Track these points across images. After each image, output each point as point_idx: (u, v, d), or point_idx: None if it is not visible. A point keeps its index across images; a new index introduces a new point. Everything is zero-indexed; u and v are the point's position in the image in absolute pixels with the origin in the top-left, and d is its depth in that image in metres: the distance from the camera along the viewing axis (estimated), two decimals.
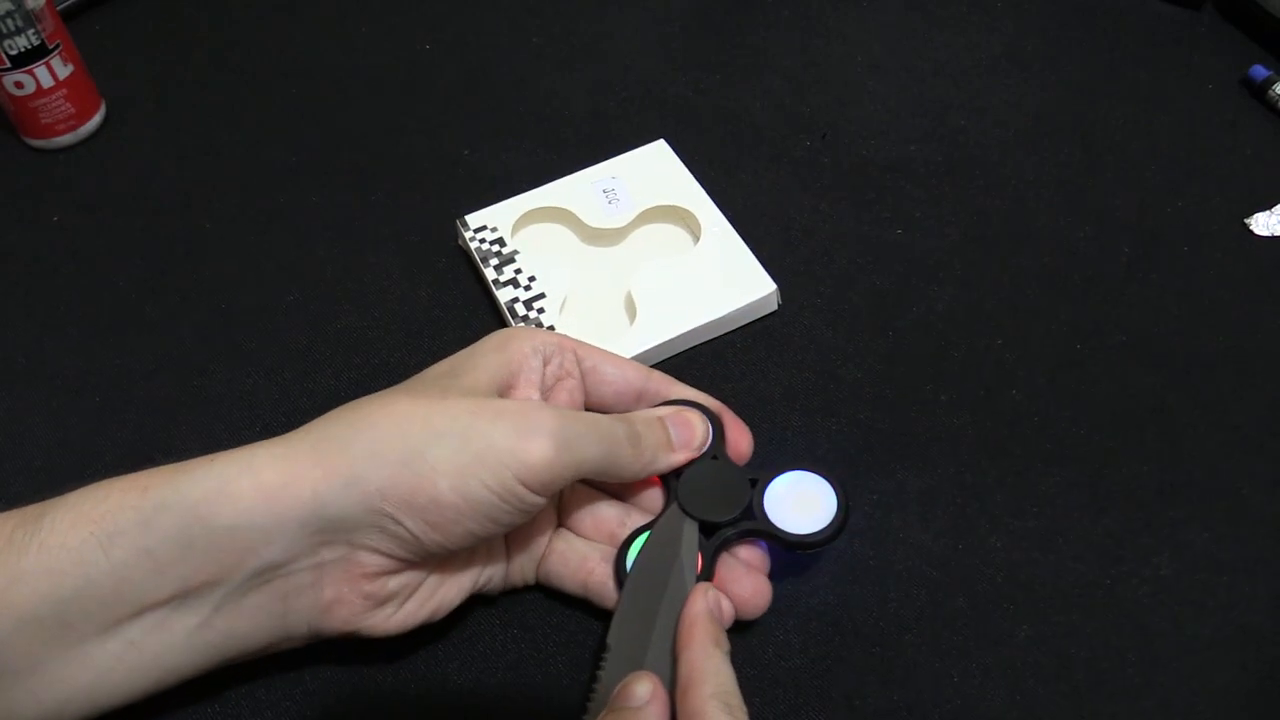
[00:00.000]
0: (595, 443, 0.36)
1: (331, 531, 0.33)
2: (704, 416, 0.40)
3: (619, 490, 0.41)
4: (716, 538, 0.38)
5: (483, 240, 0.51)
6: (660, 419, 0.39)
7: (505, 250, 0.51)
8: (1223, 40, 0.64)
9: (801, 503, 0.39)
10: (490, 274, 0.50)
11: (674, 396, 0.41)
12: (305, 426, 0.35)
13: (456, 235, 0.53)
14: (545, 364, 0.40)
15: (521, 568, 0.40)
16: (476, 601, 0.40)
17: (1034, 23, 0.65)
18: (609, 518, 0.40)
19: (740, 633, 0.40)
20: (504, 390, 0.38)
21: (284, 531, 0.32)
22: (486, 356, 0.38)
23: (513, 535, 0.39)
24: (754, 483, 0.39)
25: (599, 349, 0.42)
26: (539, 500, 0.34)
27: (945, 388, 0.47)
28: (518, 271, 0.50)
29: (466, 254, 0.53)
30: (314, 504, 0.32)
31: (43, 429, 0.47)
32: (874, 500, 0.44)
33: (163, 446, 0.46)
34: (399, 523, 0.33)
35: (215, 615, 0.33)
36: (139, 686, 0.33)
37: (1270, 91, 0.59)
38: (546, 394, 0.40)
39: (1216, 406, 0.46)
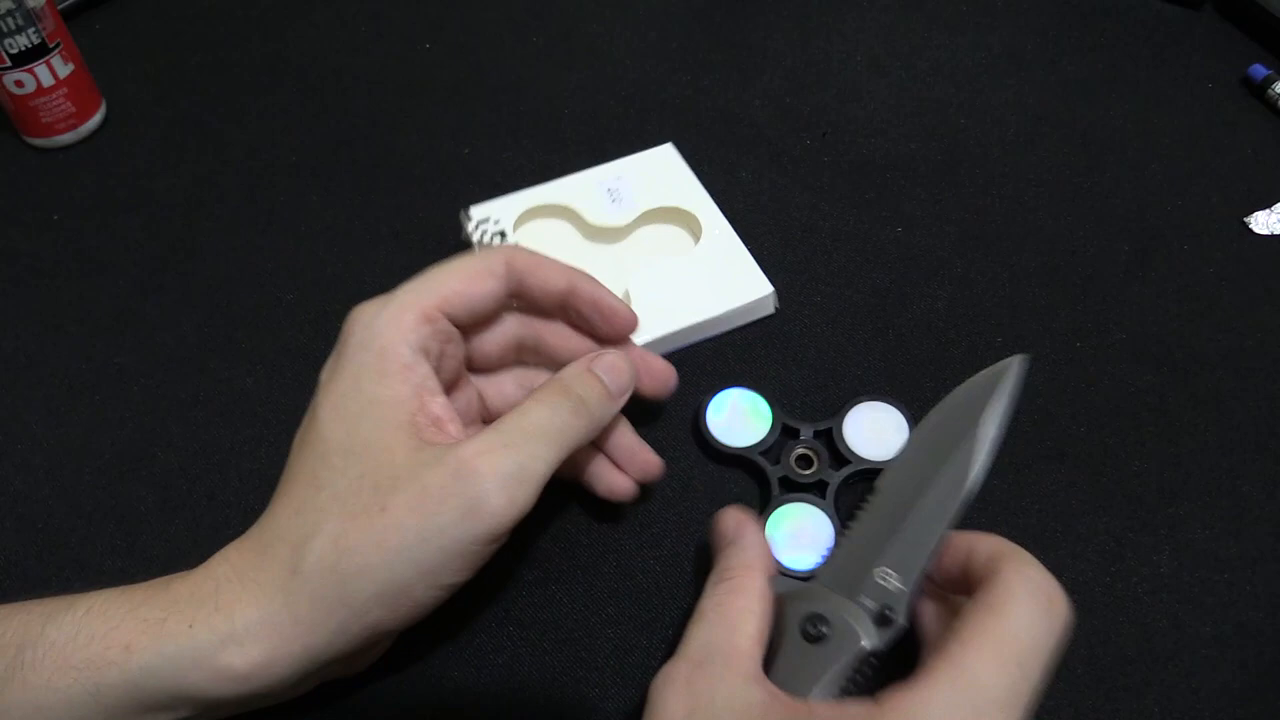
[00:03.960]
0: (546, 452, 0.34)
1: (323, 664, 0.33)
2: (621, 353, 0.40)
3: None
4: None
5: (484, 232, 0.52)
6: (591, 372, 0.38)
7: (506, 243, 0.51)
8: (1222, 40, 0.64)
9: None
10: None
11: (601, 299, 0.40)
12: (271, 551, 0.33)
13: (457, 233, 0.53)
14: (430, 355, 0.36)
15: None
16: (475, 601, 0.40)
17: (1034, 23, 0.66)
18: None
19: None
20: (415, 419, 0.34)
21: (276, 688, 0.33)
22: (363, 386, 0.35)
23: None
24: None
25: (523, 252, 0.39)
26: (500, 545, 0.34)
27: (945, 386, 0.47)
28: None
29: (469, 247, 0.53)
30: (305, 659, 0.32)
31: (43, 429, 0.47)
32: None
33: (163, 446, 0.46)
34: (384, 633, 0.34)
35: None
36: None
37: (1270, 91, 0.59)
38: (449, 380, 0.38)
39: (1216, 406, 0.46)
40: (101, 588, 0.42)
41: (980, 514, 0.43)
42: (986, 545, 0.33)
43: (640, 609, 0.41)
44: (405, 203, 0.56)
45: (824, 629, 0.33)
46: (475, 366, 0.41)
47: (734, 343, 0.49)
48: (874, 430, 0.44)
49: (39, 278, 0.53)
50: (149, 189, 0.57)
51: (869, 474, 0.43)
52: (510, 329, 0.41)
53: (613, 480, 0.41)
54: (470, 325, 0.39)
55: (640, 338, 0.47)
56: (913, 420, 0.44)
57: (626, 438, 0.41)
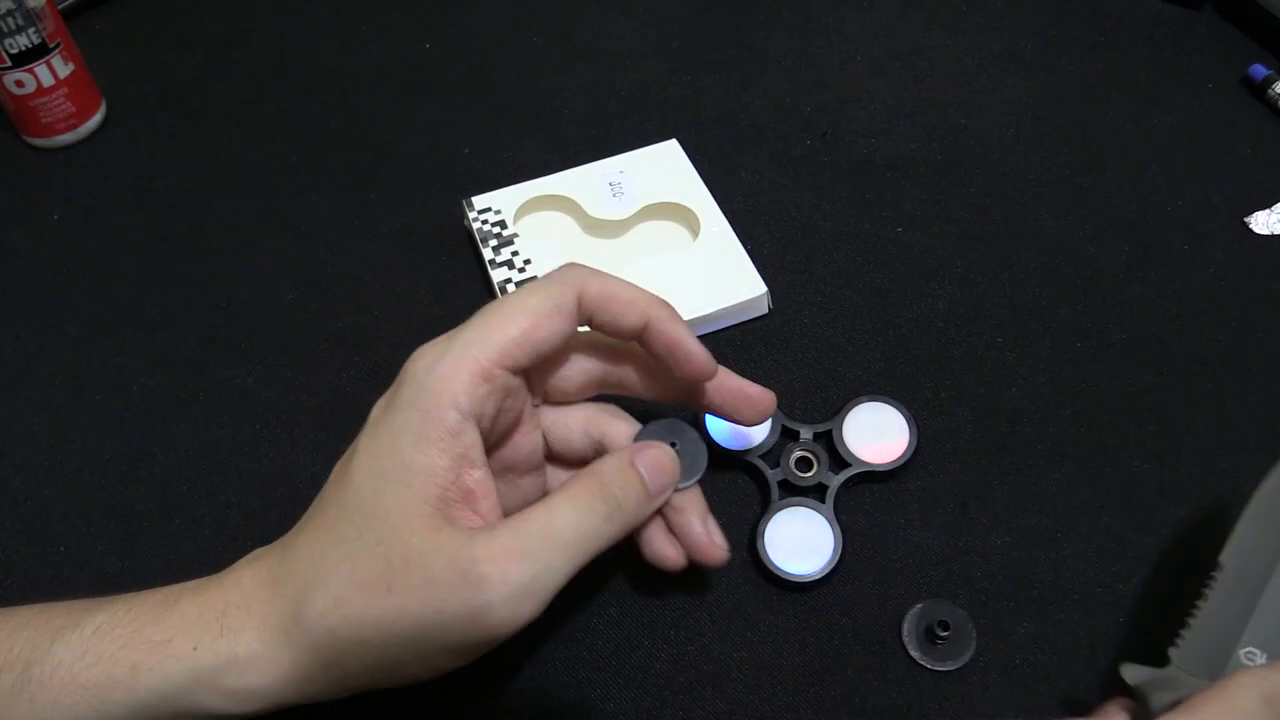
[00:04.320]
0: (565, 564, 0.32)
1: (318, 700, 0.34)
2: (667, 449, 0.37)
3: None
4: None
5: (485, 221, 0.52)
6: (634, 468, 0.35)
7: (506, 233, 0.51)
8: (1222, 40, 0.64)
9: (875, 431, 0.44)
10: (488, 254, 0.51)
11: (677, 342, 0.36)
12: (277, 592, 0.33)
13: (457, 233, 0.53)
14: (479, 419, 0.34)
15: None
16: None
17: (1034, 23, 0.65)
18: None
19: (738, 630, 0.40)
20: (445, 494, 0.33)
21: (268, 714, 0.33)
22: (400, 447, 0.33)
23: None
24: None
25: (596, 280, 0.35)
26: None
27: (945, 386, 0.47)
28: (514, 254, 0.51)
29: (468, 248, 0.53)
30: (303, 697, 0.33)
31: (43, 429, 0.47)
32: (874, 498, 0.44)
33: (163, 446, 0.46)
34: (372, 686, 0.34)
35: None
36: None
37: (1270, 91, 0.59)
38: (504, 442, 0.37)
39: (1216, 406, 0.46)
40: (102, 587, 0.42)
41: (981, 512, 0.43)
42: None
43: (641, 609, 0.41)
44: (405, 202, 0.56)
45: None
46: (547, 399, 0.39)
47: (734, 342, 0.49)
48: (874, 431, 0.44)
49: (39, 278, 0.53)
50: (149, 189, 0.57)
51: (869, 477, 0.43)
52: (583, 366, 0.38)
53: (662, 550, 0.38)
54: (537, 365, 0.36)
55: None
56: (913, 419, 0.44)
57: (694, 517, 0.38)
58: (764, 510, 0.42)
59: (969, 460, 0.45)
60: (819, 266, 0.52)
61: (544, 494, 0.39)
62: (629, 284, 0.36)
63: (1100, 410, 0.46)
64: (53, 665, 0.31)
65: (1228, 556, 0.35)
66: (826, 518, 0.42)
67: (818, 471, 0.43)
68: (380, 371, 0.49)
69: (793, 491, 0.43)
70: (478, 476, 0.33)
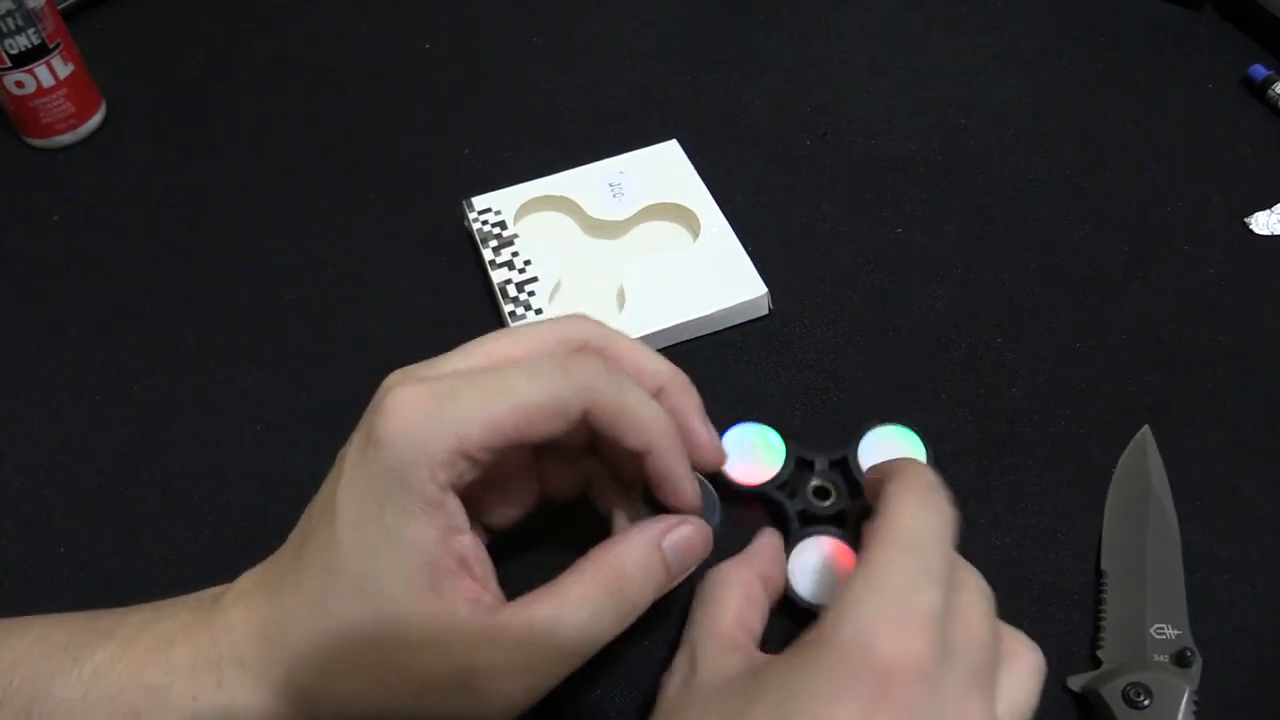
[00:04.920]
0: (567, 670, 0.32)
1: None
2: (702, 528, 0.36)
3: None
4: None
5: (485, 222, 0.52)
6: (661, 554, 0.34)
7: (506, 233, 0.51)
8: (1223, 40, 0.64)
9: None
10: (488, 254, 0.51)
11: (673, 478, 0.35)
12: (277, 650, 0.32)
13: (457, 233, 0.53)
14: (459, 484, 0.32)
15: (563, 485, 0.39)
16: None
17: (1034, 23, 0.65)
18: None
19: None
20: (438, 563, 0.31)
21: None
22: (379, 515, 0.31)
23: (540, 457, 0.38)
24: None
25: (611, 391, 0.33)
26: None
27: (945, 386, 0.47)
28: (514, 254, 0.50)
29: (468, 249, 0.53)
30: None
31: (43, 429, 0.47)
32: None
33: (163, 446, 0.46)
34: None
35: None
36: None
37: (1270, 91, 0.59)
38: (475, 493, 0.35)
39: (1216, 406, 0.46)
40: (102, 587, 0.42)
41: (981, 512, 0.43)
42: (885, 471, 0.34)
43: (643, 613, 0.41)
44: (405, 203, 0.56)
45: (1144, 698, 0.36)
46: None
47: (733, 343, 0.49)
48: (888, 456, 0.42)
49: (39, 278, 0.53)
50: (149, 189, 0.57)
51: None
52: (580, 457, 0.38)
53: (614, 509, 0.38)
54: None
55: (630, 333, 0.47)
56: (927, 441, 0.43)
57: (694, 421, 0.37)
58: (786, 541, 0.40)
59: (969, 460, 0.45)
60: (819, 266, 0.52)
61: (538, 495, 0.39)
62: (645, 400, 0.34)
63: (1100, 410, 0.46)
64: (53, 704, 0.31)
65: (1107, 562, 0.41)
66: (850, 544, 0.40)
67: (836, 499, 0.42)
68: (380, 372, 0.48)
69: (811, 520, 0.42)
70: (466, 542, 0.32)
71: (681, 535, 0.35)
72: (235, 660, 0.32)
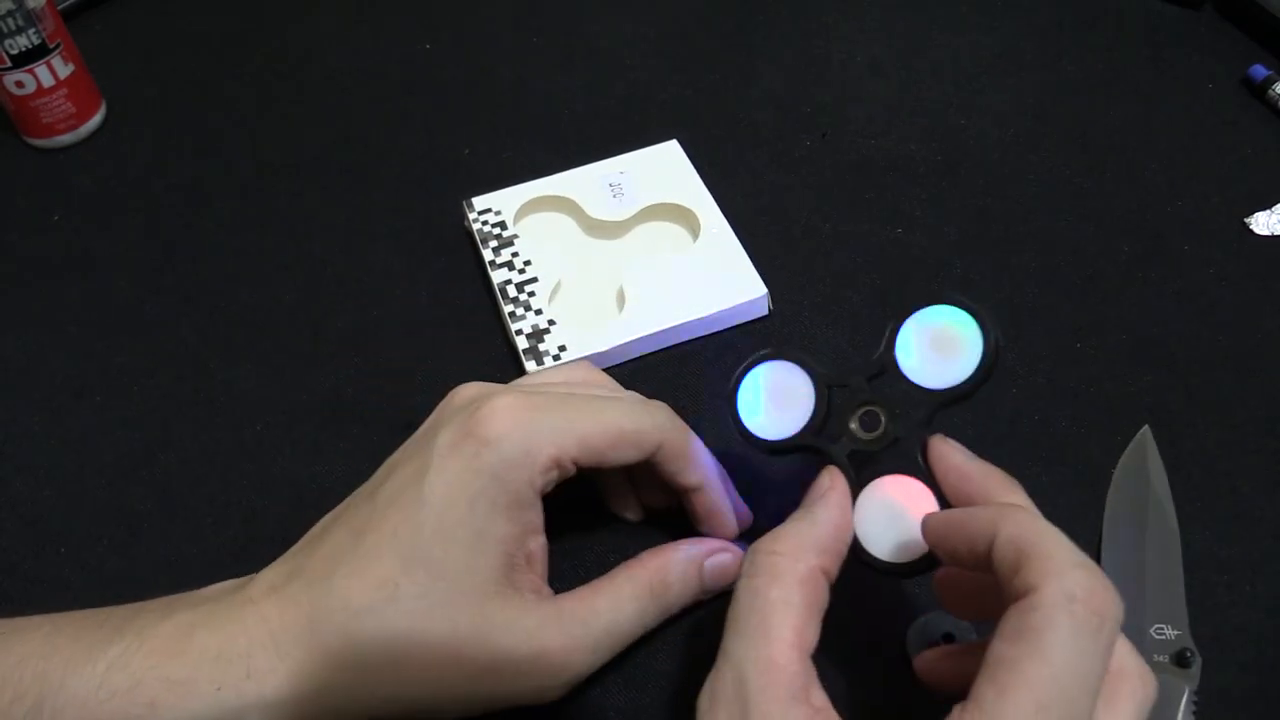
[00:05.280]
0: (610, 654, 0.35)
1: None
2: (737, 554, 0.39)
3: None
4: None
5: (485, 222, 0.52)
6: (699, 568, 0.38)
7: (506, 234, 0.51)
8: (1223, 40, 0.64)
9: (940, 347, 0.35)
10: (488, 254, 0.51)
11: (715, 515, 0.39)
12: (305, 634, 0.33)
13: (457, 233, 0.53)
14: (546, 490, 0.35)
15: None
16: None
17: (1034, 23, 0.65)
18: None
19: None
20: (513, 558, 0.34)
21: None
22: (481, 534, 0.33)
23: None
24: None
25: (679, 437, 0.38)
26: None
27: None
28: (514, 255, 0.50)
29: (468, 249, 0.53)
30: None
31: (43, 429, 0.47)
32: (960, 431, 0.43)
33: (163, 446, 0.46)
34: None
35: None
36: None
37: (1270, 91, 0.59)
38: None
39: (1216, 406, 0.46)
40: (102, 588, 0.42)
41: None
42: (1012, 533, 0.29)
43: None
44: (405, 203, 0.56)
45: None
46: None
47: (734, 343, 0.49)
48: (939, 347, 0.35)
49: (39, 278, 0.53)
50: (149, 189, 0.57)
51: (952, 401, 0.35)
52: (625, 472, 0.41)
53: (626, 510, 0.43)
54: None
55: (630, 333, 0.48)
56: (982, 320, 0.35)
57: (715, 495, 0.39)
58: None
59: None
60: (819, 267, 0.52)
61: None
62: (702, 448, 0.38)
63: (1100, 410, 0.46)
64: (66, 698, 0.31)
65: (1106, 562, 0.40)
66: (920, 477, 0.34)
67: (888, 426, 0.35)
68: (380, 373, 0.49)
69: (867, 461, 0.35)
70: (539, 542, 0.36)
71: (721, 561, 0.38)
72: (268, 648, 0.32)
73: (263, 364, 0.49)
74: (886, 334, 0.36)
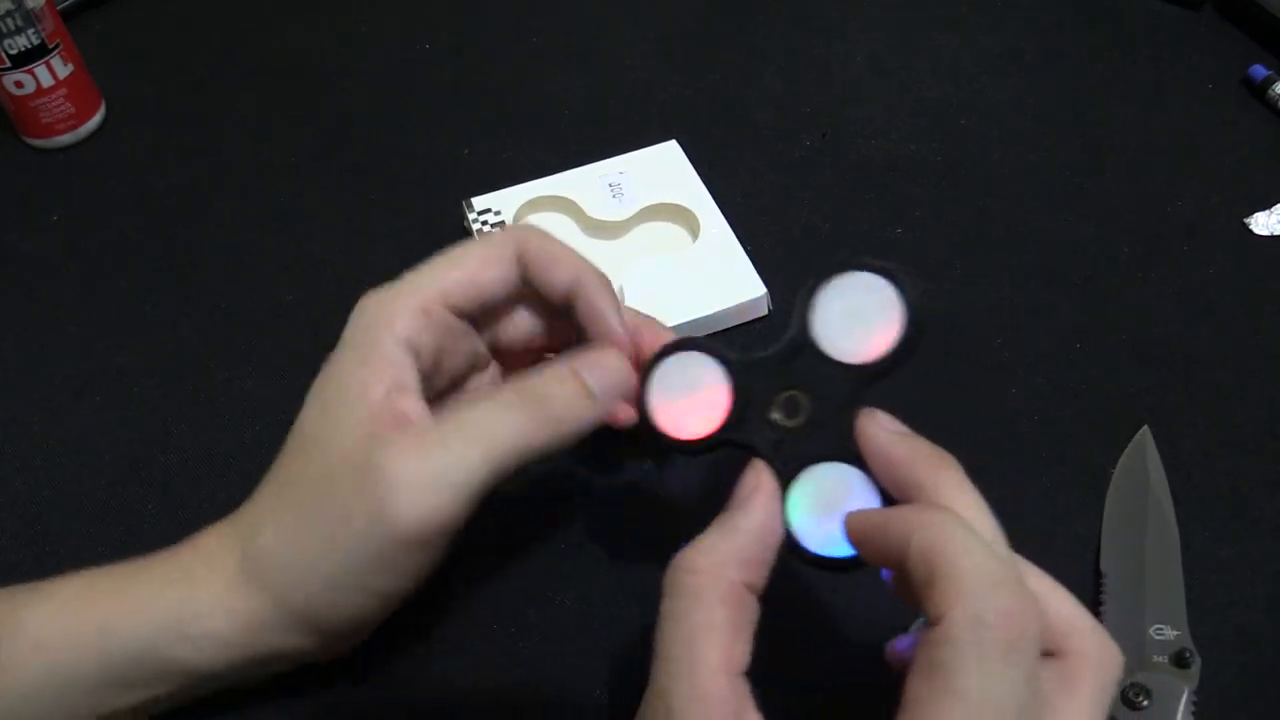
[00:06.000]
0: (476, 459, 0.31)
1: (285, 651, 0.34)
2: (617, 353, 0.34)
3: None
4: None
5: (484, 222, 0.52)
6: (572, 369, 0.34)
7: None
8: (1222, 40, 0.64)
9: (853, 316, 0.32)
10: None
11: (597, 315, 0.35)
12: (235, 528, 0.35)
13: (457, 233, 0.53)
14: (418, 349, 0.34)
15: None
16: (475, 604, 0.40)
17: (1034, 23, 0.65)
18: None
19: None
20: (381, 415, 0.32)
21: (242, 667, 0.34)
22: (343, 375, 0.34)
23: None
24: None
25: (537, 240, 0.36)
26: (436, 552, 0.32)
27: (945, 386, 0.47)
28: None
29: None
30: (266, 644, 0.33)
31: (43, 429, 0.47)
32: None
33: (163, 446, 0.46)
34: (341, 629, 0.34)
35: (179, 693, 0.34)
36: None
37: (1270, 91, 0.59)
38: (435, 371, 0.36)
39: (1216, 406, 0.46)
40: None
41: None
42: (922, 546, 0.26)
43: (641, 611, 0.41)
44: (405, 203, 0.56)
45: (1144, 699, 0.36)
46: (502, 359, 0.40)
47: (733, 344, 0.49)
48: (858, 319, 0.32)
49: (39, 278, 0.53)
50: (149, 189, 0.57)
51: (877, 376, 0.32)
52: (527, 321, 0.38)
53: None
54: (481, 315, 0.37)
55: None
56: (901, 284, 0.32)
57: (603, 305, 0.36)
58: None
59: (969, 460, 0.45)
60: (819, 267, 0.52)
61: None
62: (569, 249, 0.36)
63: (1100, 410, 0.46)
64: (20, 631, 0.32)
65: (1106, 563, 0.41)
66: (850, 463, 0.31)
67: (811, 406, 0.32)
68: None
69: (795, 453, 0.32)
70: (413, 401, 0.33)
71: (591, 356, 0.34)
72: (203, 563, 0.34)
73: (263, 364, 0.49)
74: (798, 309, 0.32)
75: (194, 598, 0.33)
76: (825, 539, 0.31)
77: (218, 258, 0.54)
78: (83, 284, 0.53)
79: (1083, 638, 0.28)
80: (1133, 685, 0.36)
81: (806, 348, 0.32)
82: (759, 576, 0.30)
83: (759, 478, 0.31)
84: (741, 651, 0.28)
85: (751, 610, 0.29)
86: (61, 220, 0.56)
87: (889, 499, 0.31)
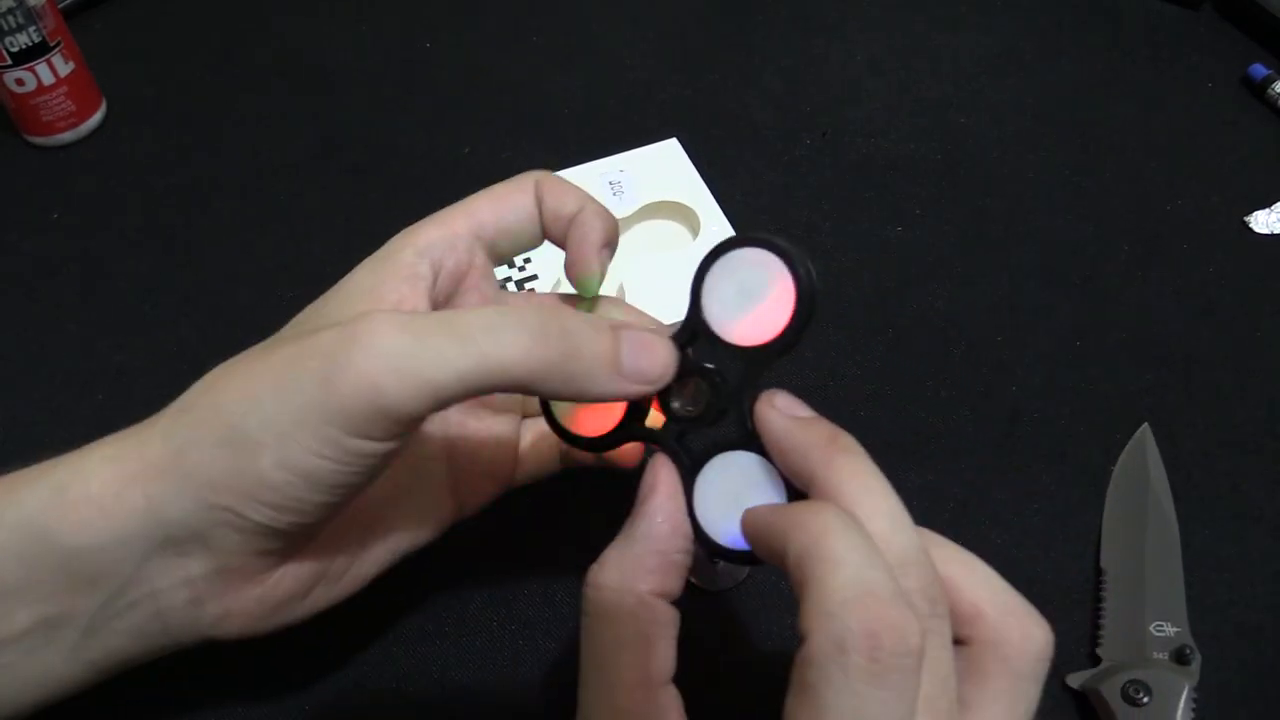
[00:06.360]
0: (457, 357, 0.26)
1: (181, 542, 0.28)
2: (670, 346, 0.30)
3: None
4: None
5: None
6: (614, 329, 0.29)
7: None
8: (1222, 40, 0.64)
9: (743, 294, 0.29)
10: None
11: (580, 242, 0.35)
12: (161, 413, 0.31)
13: None
14: (437, 267, 0.34)
15: (483, 490, 0.36)
16: (477, 601, 0.40)
17: (1034, 23, 0.66)
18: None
19: (733, 633, 0.40)
20: (377, 305, 0.32)
21: (129, 548, 0.28)
22: (356, 278, 0.34)
23: (454, 455, 0.35)
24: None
25: (548, 177, 0.36)
26: (385, 447, 0.27)
27: (945, 385, 0.47)
28: None
29: None
30: (150, 513, 0.28)
31: (43, 429, 0.47)
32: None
33: None
34: (240, 514, 0.28)
35: (88, 639, 0.29)
36: (23, 704, 0.30)
37: (1270, 90, 0.59)
38: (447, 303, 0.35)
39: (1216, 406, 0.46)
40: None
41: (981, 511, 0.43)
42: (797, 551, 0.24)
43: None
44: (405, 203, 0.56)
45: (1144, 696, 0.36)
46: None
47: None
48: (750, 297, 0.29)
49: (39, 278, 0.53)
50: (149, 188, 0.57)
51: (773, 356, 0.30)
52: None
53: None
54: (510, 253, 0.37)
55: None
56: (789, 257, 0.29)
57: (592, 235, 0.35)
58: (690, 488, 0.30)
59: (969, 459, 0.45)
60: (819, 266, 0.52)
61: (516, 445, 0.38)
62: (580, 188, 0.36)
63: (1100, 410, 0.46)
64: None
65: (1106, 561, 0.41)
66: (751, 450, 0.29)
67: (714, 393, 0.30)
68: None
69: (711, 443, 0.30)
70: (418, 301, 0.33)
71: (645, 338, 0.29)
72: (103, 442, 0.30)
73: None
74: (690, 291, 0.30)
75: (85, 459, 0.29)
76: (736, 532, 0.29)
77: (218, 258, 0.54)
78: (83, 284, 0.53)
79: (988, 623, 0.27)
80: (1133, 682, 0.36)
81: (701, 332, 0.30)
82: (669, 581, 0.28)
83: (656, 476, 0.29)
84: (661, 661, 0.27)
85: (666, 618, 0.28)
86: (61, 219, 0.56)
87: (794, 487, 0.29)
